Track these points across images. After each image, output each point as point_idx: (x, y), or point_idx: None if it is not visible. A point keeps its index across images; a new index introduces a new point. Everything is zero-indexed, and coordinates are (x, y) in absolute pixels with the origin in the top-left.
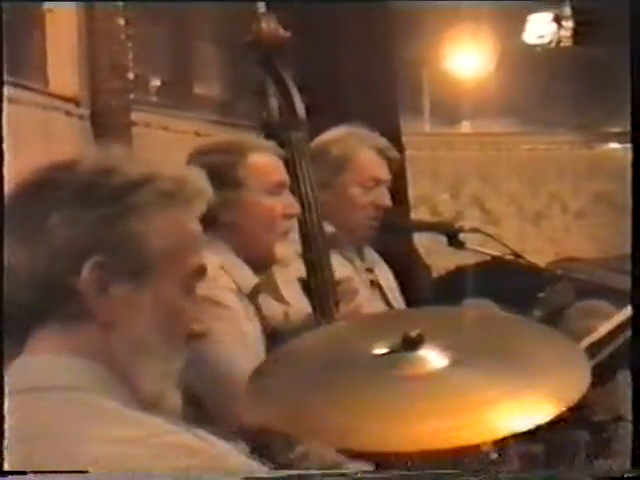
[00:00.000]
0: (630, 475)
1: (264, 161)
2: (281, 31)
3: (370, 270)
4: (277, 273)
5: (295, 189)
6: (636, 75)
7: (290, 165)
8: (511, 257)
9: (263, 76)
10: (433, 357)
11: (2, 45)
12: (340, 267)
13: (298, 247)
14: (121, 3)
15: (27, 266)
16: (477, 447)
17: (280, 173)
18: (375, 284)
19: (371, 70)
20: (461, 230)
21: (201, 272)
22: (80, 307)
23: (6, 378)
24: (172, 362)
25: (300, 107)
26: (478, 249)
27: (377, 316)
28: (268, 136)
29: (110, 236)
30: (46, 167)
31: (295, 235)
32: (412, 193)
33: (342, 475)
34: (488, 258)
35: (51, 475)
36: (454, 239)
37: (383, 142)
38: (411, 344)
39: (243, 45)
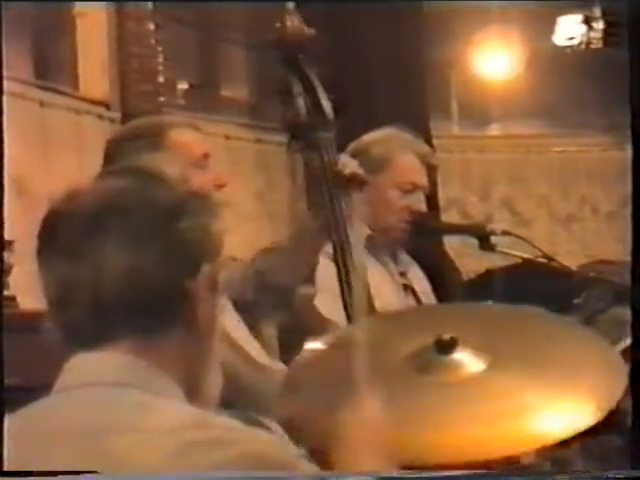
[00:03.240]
0: (630, 475)
1: (184, 137)
2: (306, 29)
3: (404, 274)
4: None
5: (322, 191)
6: (636, 78)
7: (318, 166)
8: (542, 260)
9: (288, 75)
10: (468, 361)
11: (2, 45)
12: (374, 271)
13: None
14: (151, 7)
15: (141, 266)
16: (518, 458)
17: (203, 146)
18: (409, 288)
19: (400, 71)
20: (492, 233)
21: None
22: (185, 312)
23: (61, 373)
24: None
25: (327, 106)
26: (509, 252)
27: (406, 313)
28: (294, 137)
29: (213, 246)
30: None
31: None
32: (442, 195)
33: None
34: (519, 261)
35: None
36: (485, 242)
37: (425, 148)
38: (444, 348)
39: (268, 43)
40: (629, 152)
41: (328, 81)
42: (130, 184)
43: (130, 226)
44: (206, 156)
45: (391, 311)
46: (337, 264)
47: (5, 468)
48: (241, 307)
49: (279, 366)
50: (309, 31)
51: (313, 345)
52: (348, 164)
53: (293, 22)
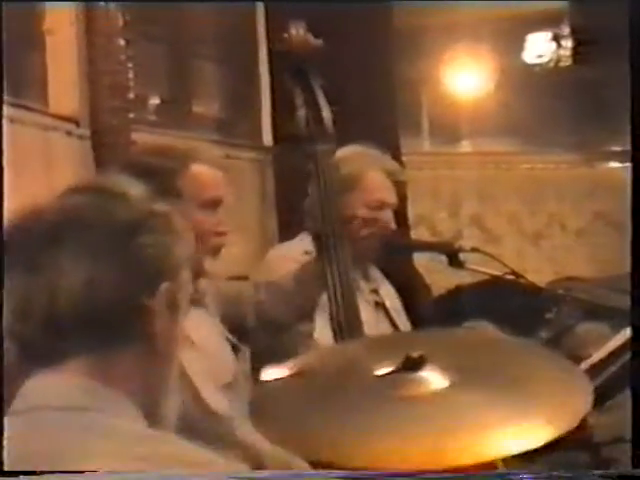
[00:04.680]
0: (630, 475)
1: (205, 174)
2: (312, 39)
3: (375, 291)
4: None
5: (316, 203)
6: (636, 95)
7: (313, 178)
8: (511, 277)
9: (292, 86)
10: (434, 378)
11: (2, 46)
12: None
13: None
14: (121, 23)
15: (88, 285)
16: (475, 468)
17: (218, 189)
18: (380, 305)
19: (370, 87)
20: (461, 250)
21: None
22: (143, 331)
23: (17, 397)
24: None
25: (328, 118)
26: (478, 269)
27: (381, 338)
28: (294, 148)
29: (174, 264)
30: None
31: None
32: (412, 212)
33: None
34: (488, 278)
35: (55, 475)
36: (454, 259)
37: (393, 165)
38: (413, 365)
39: (273, 54)
40: (599, 169)
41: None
42: (91, 200)
43: (88, 241)
44: (217, 201)
45: (365, 337)
46: (327, 282)
47: (5, 468)
48: (236, 329)
49: (232, 412)
50: (316, 41)
51: (273, 373)
52: None
53: (299, 32)
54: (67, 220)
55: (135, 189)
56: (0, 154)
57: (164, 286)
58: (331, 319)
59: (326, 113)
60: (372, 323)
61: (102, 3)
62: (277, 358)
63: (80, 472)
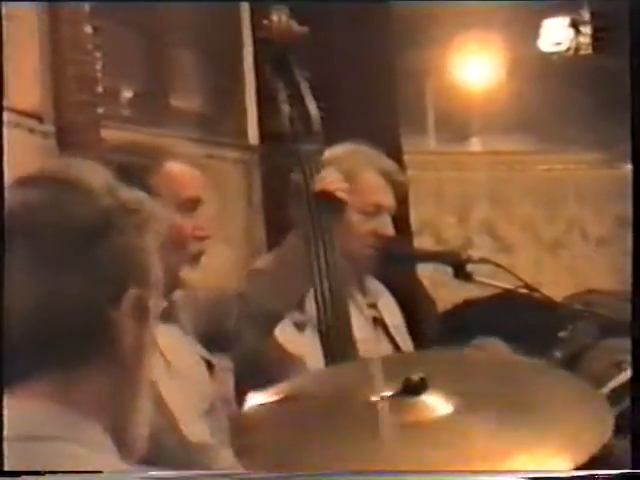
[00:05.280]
0: (630, 475)
1: (181, 172)
2: (296, 26)
3: (373, 306)
4: None
5: (303, 208)
6: (637, 92)
7: (299, 181)
8: (525, 290)
9: (274, 78)
10: (437, 403)
11: (1, 46)
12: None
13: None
14: (87, 7)
15: (51, 294)
16: None
17: (196, 189)
18: (379, 321)
19: (368, 81)
20: (469, 260)
21: None
22: (107, 346)
23: None
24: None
25: (315, 115)
26: (487, 281)
27: (378, 359)
28: (277, 148)
29: (142, 267)
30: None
31: None
32: (415, 218)
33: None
34: (499, 291)
35: (56, 476)
36: (461, 270)
37: (390, 164)
38: (413, 388)
39: (256, 42)
40: (623, 170)
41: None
42: (44, 195)
43: (41, 245)
44: (195, 202)
45: (361, 359)
46: (315, 291)
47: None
48: (212, 337)
49: (211, 441)
50: (300, 29)
51: (258, 398)
52: (331, 179)
53: (281, 19)
54: (15, 219)
55: (98, 177)
56: (0, 154)
57: (131, 293)
58: (319, 323)
59: (312, 109)
60: (370, 341)
61: None
62: (263, 368)
63: (80, 472)
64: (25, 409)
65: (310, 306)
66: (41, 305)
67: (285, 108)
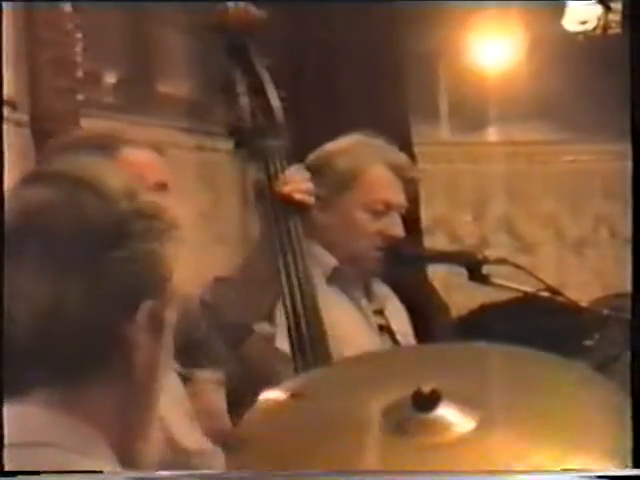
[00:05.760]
0: (630, 475)
1: (140, 158)
2: (254, 11)
3: (379, 312)
4: None
5: (270, 212)
6: (636, 86)
7: (264, 182)
8: (547, 294)
9: (231, 68)
10: (455, 418)
11: (1, 45)
12: (342, 309)
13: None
14: None
15: (68, 305)
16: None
17: (159, 172)
18: (385, 329)
19: (374, 65)
20: (485, 261)
21: None
22: (119, 359)
23: None
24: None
25: (278, 108)
26: (506, 284)
27: (379, 356)
28: (238, 144)
29: (159, 277)
30: None
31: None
32: (426, 215)
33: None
34: (519, 295)
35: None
36: (476, 272)
37: (401, 157)
38: (425, 403)
39: (207, 28)
40: None
41: (281, 76)
42: (59, 195)
43: (54, 249)
44: (162, 187)
45: (360, 355)
46: (284, 301)
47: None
48: (181, 349)
49: (208, 446)
50: (258, 13)
51: (266, 398)
52: (291, 180)
53: (237, 2)
54: (28, 219)
55: (116, 179)
56: (0, 154)
57: (146, 305)
58: (289, 335)
59: (274, 101)
60: (374, 349)
61: None
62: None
63: (80, 472)
64: (25, 415)
65: (280, 317)
66: (51, 310)
67: (244, 100)
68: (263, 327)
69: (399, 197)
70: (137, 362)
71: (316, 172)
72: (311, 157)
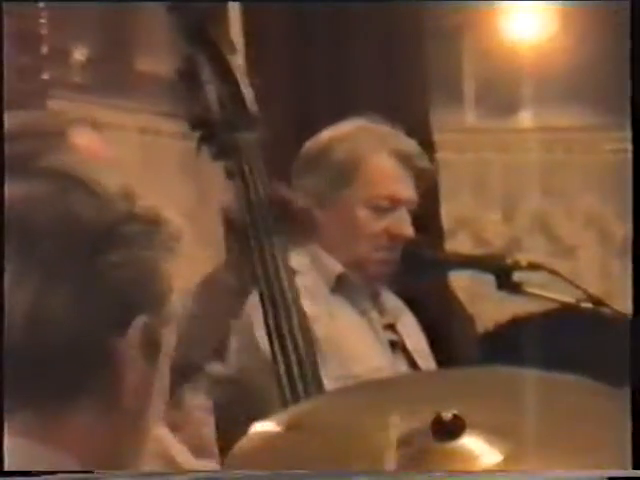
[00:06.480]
0: (630, 475)
1: (89, 140)
2: None
3: (391, 326)
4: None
5: (244, 214)
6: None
7: (236, 180)
8: (589, 304)
9: (193, 50)
10: (481, 448)
11: (2, 45)
12: (347, 323)
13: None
14: None
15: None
16: None
17: (108, 152)
18: (398, 345)
19: (385, 38)
20: (516, 266)
21: None
22: (106, 381)
23: None
24: None
25: (249, 96)
26: (540, 293)
27: (389, 382)
28: (205, 138)
29: (157, 289)
30: None
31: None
32: (447, 212)
33: None
34: (556, 306)
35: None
36: (506, 279)
37: (410, 145)
38: (446, 432)
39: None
40: None
41: (260, 56)
42: (47, 190)
43: (38, 251)
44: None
45: (372, 380)
46: (267, 324)
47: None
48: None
49: (207, 464)
50: None
51: (260, 428)
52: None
53: None
54: (10, 217)
55: (114, 178)
56: (1, 153)
57: (140, 320)
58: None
59: (245, 88)
60: (386, 370)
61: None
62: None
63: (80, 472)
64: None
65: (234, 356)
66: (30, 321)
67: (210, 88)
68: (214, 367)
69: (407, 191)
70: (127, 387)
71: (313, 163)
72: (307, 145)
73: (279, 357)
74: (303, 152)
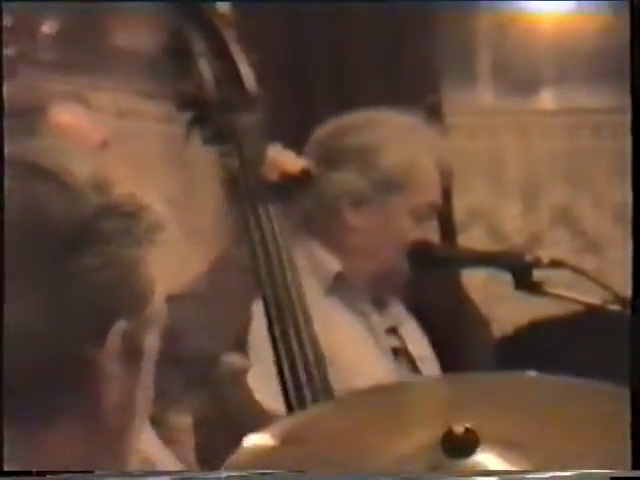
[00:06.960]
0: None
1: (72, 115)
2: None
3: (393, 330)
4: None
5: (240, 208)
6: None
7: (234, 168)
8: (617, 307)
9: (186, 26)
10: (495, 465)
11: (2, 45)
12: (342, 326)
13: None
14: None
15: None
16: None
17: (98, 130)
18: (401, 352)
19: (392, 14)
20: (537, 264)
21: None
22: (84, 394)
23: None
24: None
25: (248, 74)
26: (563, 294)
27: (399, 390)
28: (198, 120)
29: (137, 291)
30: None
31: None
32: (460, 204)
33: None
34: (580, 308)
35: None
36: (525, 278)
37: (444, 144)
38: (458, 447)
39: None
40: None
41: (258, 32)
42: (10, 185)
43: (1, 253)
44: (104, 145)
45: (376, 387)
46: (269, 319)
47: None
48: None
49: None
50: None
51: (253, 440)
52: (281, 159)
53: None
54: None
55: (86, 167)
56: (1, 152)
57: (119, 326)
58: (273, 345)
59: (243, 66)
60: (387, 379)
61: None
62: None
63: (81, 472)
64: None
65: (255, 344)
66: None
67: (204, 66)
68: (233, 358)
69: (439, 196)
70: (106, 400)
71: (351, 158)
72: (314, 137)
73: (283, 359)
74: (334, 141)
